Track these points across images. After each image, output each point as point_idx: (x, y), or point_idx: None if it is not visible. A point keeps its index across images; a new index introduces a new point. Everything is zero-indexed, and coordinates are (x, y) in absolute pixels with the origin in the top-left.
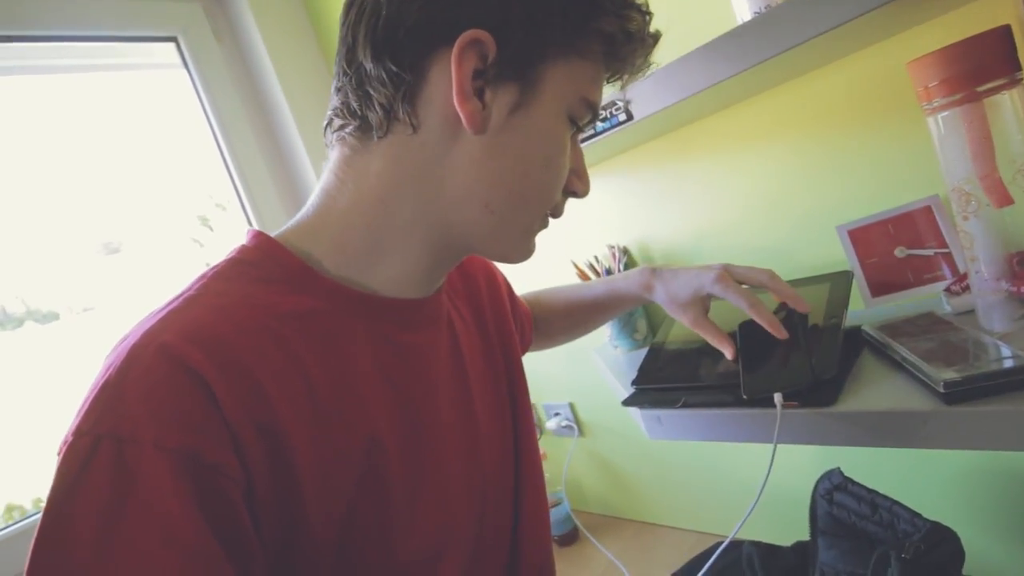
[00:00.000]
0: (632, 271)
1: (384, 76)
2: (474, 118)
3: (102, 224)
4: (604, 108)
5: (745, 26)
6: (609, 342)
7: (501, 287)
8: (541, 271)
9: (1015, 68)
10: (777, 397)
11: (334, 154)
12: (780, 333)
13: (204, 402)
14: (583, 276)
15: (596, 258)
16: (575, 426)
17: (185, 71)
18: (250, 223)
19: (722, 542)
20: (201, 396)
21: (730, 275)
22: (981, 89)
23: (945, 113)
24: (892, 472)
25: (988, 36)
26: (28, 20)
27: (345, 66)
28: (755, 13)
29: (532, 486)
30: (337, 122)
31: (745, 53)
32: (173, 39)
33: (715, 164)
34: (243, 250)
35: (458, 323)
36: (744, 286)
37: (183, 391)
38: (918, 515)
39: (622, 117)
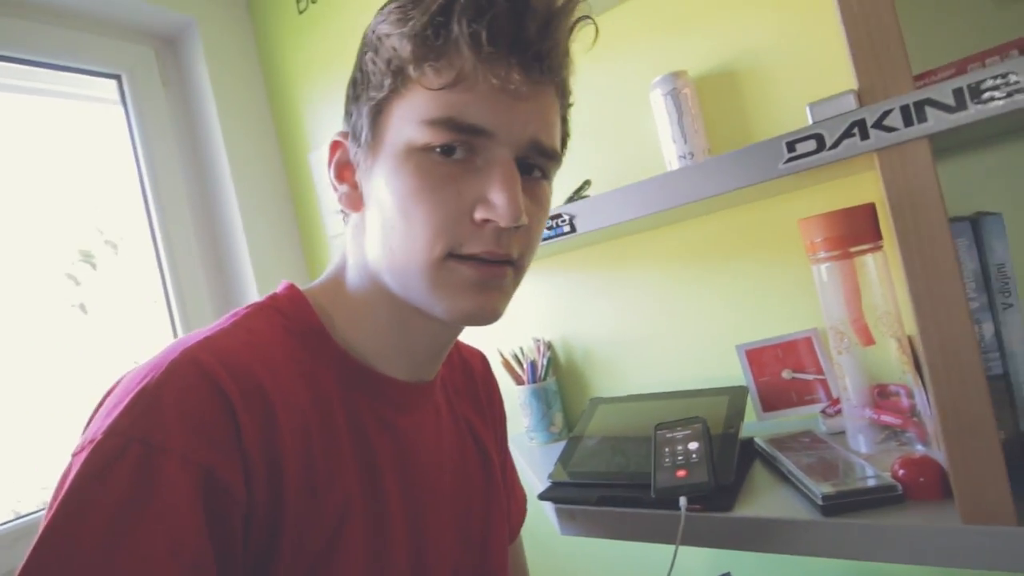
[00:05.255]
0: None
1: None
2: (348, 200)
3: None
4: (552, 218)
5: (673, 173)
6: (526, 434)
7: (499, 408)
8: None
9: (878, 237)
10: (682, 500)
11: None
12: None
13: (229, 425)
14: (507, 366)
15: (521, 349)
16: None
17: (122, 109)
18: (161, 271)
19: None
20: (227, 418)
21: None
22: (853, 250)
23: (826, 264)
24: None
25: (859, 209)
26: None
27: None
28: (681, 162)
29: None
30: None
31: (672, 194)
32: (116, 77)
33: (637, 278)
34: (275, 298)
35: (445, 416)
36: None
37: (214, 409)
38: None
39: (566, 229)
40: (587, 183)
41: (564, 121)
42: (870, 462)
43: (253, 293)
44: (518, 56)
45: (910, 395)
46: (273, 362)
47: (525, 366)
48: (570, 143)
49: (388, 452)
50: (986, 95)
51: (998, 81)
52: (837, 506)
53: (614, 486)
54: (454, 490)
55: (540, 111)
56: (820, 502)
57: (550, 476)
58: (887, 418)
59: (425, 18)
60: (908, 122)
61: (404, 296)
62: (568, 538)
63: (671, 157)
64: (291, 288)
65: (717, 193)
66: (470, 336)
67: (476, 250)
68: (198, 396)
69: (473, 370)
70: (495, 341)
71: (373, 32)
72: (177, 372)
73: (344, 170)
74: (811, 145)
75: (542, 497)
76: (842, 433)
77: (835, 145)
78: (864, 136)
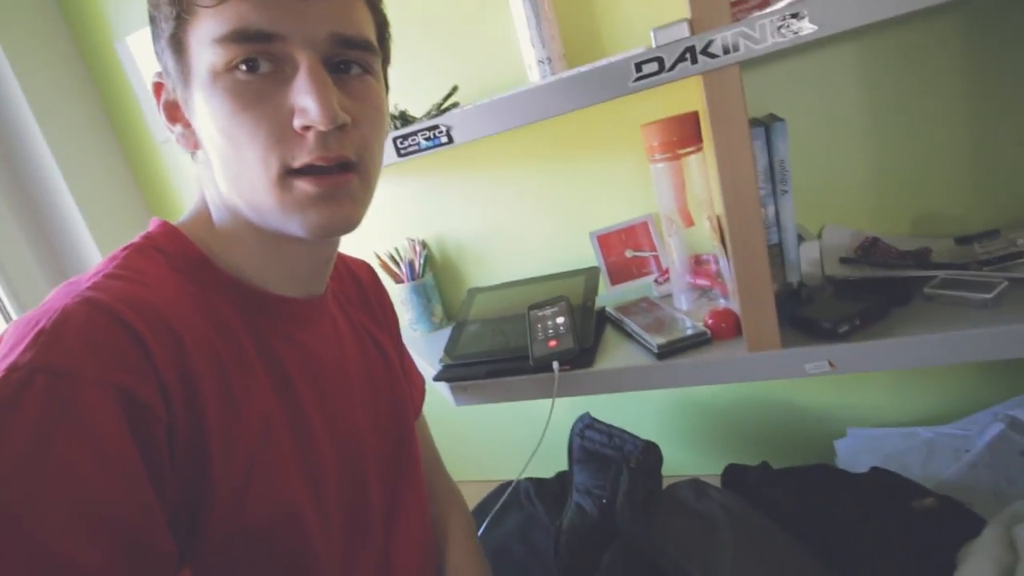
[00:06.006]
0: None
1: None
2: (185, 140)
3: None
4: (430, 130)
5: (539, 88)
6: (409, 326)
7: (390, 310)
8: None
9: (699, 140)
10: (555, 364)
11: None
12: None
13: (138, 350)
14: (385, 267)
15: (397, 250)
16: None
17: None
18: None
19: (507, 484)
20: (136, 346)
21: None
22: (681, 152)
23: (661, 164)
24: (621, 411)
25: (686, 117)
26: None
27: None
28: (540, 67)
29: (413, 501)
30: None
31: (538, 107)
32: None
33: (501, 175)
34: (149, 237)
35: (342, 325)
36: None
37: (121, 338)
38: (637, 437)
39: (444, 139)
40: (455, 88)
41: (375, 10)
42: (689, 316)
43: (76, 217)
44: None
45: (717, 262)
46: (168, 297)
47: (403, 266)
48: (426, 48)
49: (296, 364)
50: (782, 29)
51: (789, 20)
52: (667, 352)
53: (498, 361)
54: (362, 389)
55: (332, 4)
56: (655, 351)
57: (441, 360)
58: (701, 281)
59: None
60: (726, 51)
61: (262, 223)
62: (463, 408)
63: (530, 61)
64: (164, 224)
65: (578, 107)
66: (345, 243)
67: (307, 159)
68: (103, 327)
69: (361, 280)
70: (371, 244)
71: None
72: (75, 312)
73: (173, 111)
74: (654, 67)
75: (437, 379)
76: (669, 296)
77: (672, 68)
78: (694, 61)
